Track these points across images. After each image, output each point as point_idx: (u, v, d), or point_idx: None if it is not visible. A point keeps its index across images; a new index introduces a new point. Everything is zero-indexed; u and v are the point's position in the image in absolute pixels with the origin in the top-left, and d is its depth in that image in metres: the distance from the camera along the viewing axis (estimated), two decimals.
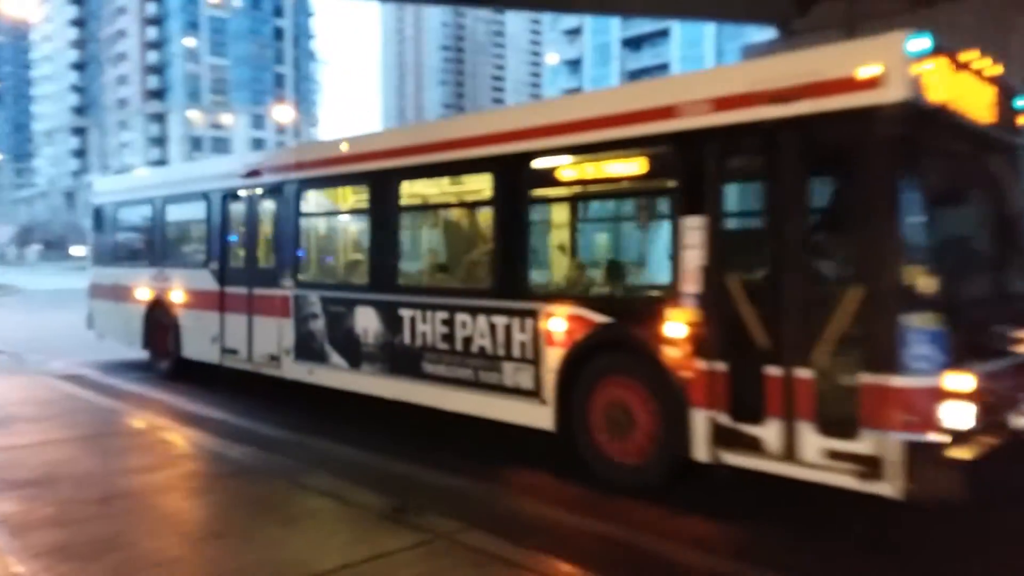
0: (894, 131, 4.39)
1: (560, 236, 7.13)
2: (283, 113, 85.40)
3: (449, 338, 6.99)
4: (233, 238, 9.56)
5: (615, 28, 76.04)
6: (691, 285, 5.35)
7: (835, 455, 4.80)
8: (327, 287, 8.53)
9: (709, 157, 5.22)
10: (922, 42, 4.41)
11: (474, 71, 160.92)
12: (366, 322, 7.78)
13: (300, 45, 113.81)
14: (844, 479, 4.76)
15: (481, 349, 6.72)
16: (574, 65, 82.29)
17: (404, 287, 7.61)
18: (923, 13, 15.75)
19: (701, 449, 5.35)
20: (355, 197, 8.59)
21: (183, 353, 10.26)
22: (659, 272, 6.03)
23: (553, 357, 6.18)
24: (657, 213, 6.32)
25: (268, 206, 9.07)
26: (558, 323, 6.14)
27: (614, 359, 5.94)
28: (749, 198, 5.30)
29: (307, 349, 8.47)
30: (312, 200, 8.85)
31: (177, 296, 10.23)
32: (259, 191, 9.18)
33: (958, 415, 4.47)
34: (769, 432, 5.07)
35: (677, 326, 5.42)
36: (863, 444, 4.67)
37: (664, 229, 5.84)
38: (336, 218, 9.32)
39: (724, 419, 5.26)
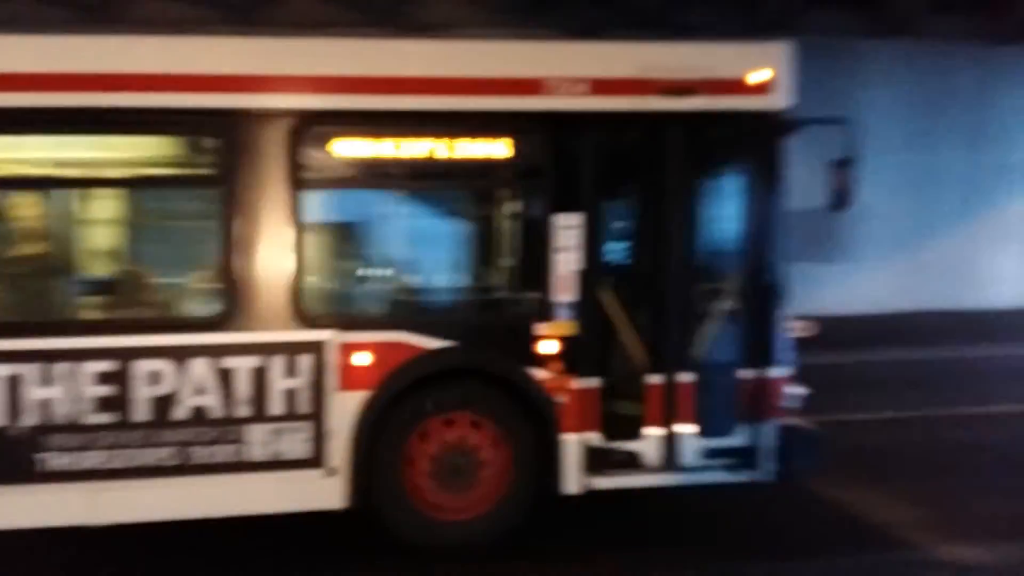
0: (781, 136, 4.70)
1: (364, 234, 4.99)
2: None
3: (117, 405, 4.25)
4: None
5: None
6: (565, 293, 4.60)
7: (712, 453, 4.86)
8: None
9: (587, 146, 4.58)
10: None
11: None
12: None
13: None
14: (719, 475, 4.87)
15: (197, 414, 4.31)
16: None
17: None
18: None
19: (572, 480, 4.68)
20: None
21: None
22: (518, 280, 4.87)
23: (349, 405, 4.43)
24: (517, 208, 5.08)
25: None
26: (361, 356, 4.43)
27: (453, 394, 4.60)
28: (623, 195, 4.83)
29: None
30: None
31: None
32: None
33: (802, 397, 5.07)
34: (648, 445, 4.79)
35: (549, 343, 4.59)
36: (739, 437, 4.87)
37: (525, 228, 4.78)
38: None
39: (597, 441, 4.71)
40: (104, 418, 4.22)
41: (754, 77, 4.68)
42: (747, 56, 4.72)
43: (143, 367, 4.25)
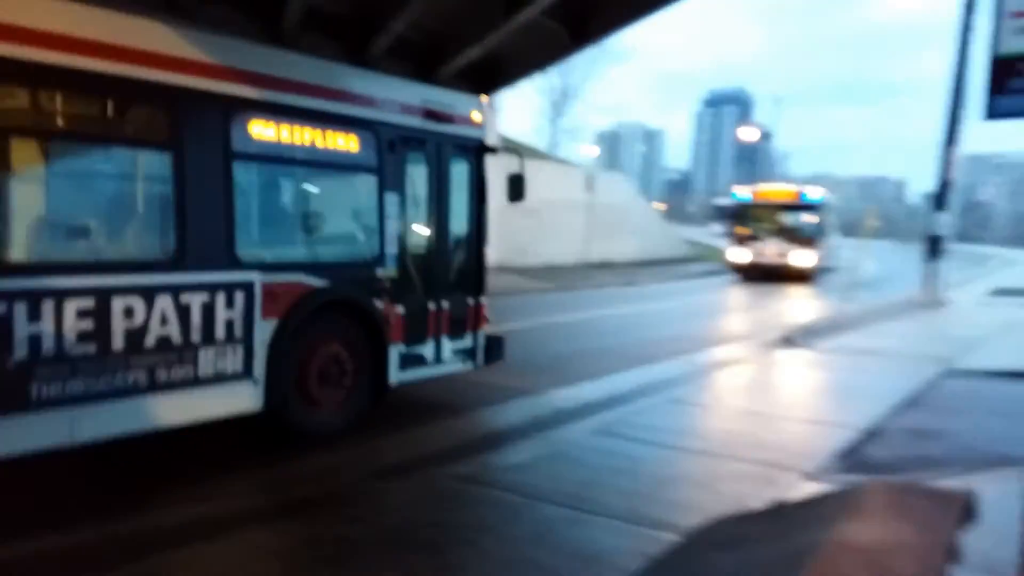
0: (486, 154, 7.77)
1: (276, 197, 5.73)
2: None
3: (96, 337, 4.95)
4: None
5: None
6: (392, 248, 6.83)
7: (456, 352, 7.66)
8: None
9: (398, 146, 6.87)
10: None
11: None
12: None
13: None
14: (458, 367, 7.71)
15: (163, 341, 5.27)
16: None
17: None
18: None
19: (394, 376, 6.94)
20: None
21: None
22: (365, 238, 6.62)
23: (266, 330, 5.89)
24: (365, 187, 6.55)
25: None
26: (276, 292, 5.93)
27: (332, 319, 6.36)
28: (412, 182, 7.08)
29: None
30: None
31: None
32: None
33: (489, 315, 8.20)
34: (428, 348, 7.33)
35: (387, 281, 6.76)
36: (467, 341, 7.77)
37: (370, 201, 6.62)
38: None
39: (404, 348, 7.07)
40: (85, 349, 4.86)
41: (476, 116, 7.65)
42: (472, 102, 7.66)
43: (118, 304, 5.03)
